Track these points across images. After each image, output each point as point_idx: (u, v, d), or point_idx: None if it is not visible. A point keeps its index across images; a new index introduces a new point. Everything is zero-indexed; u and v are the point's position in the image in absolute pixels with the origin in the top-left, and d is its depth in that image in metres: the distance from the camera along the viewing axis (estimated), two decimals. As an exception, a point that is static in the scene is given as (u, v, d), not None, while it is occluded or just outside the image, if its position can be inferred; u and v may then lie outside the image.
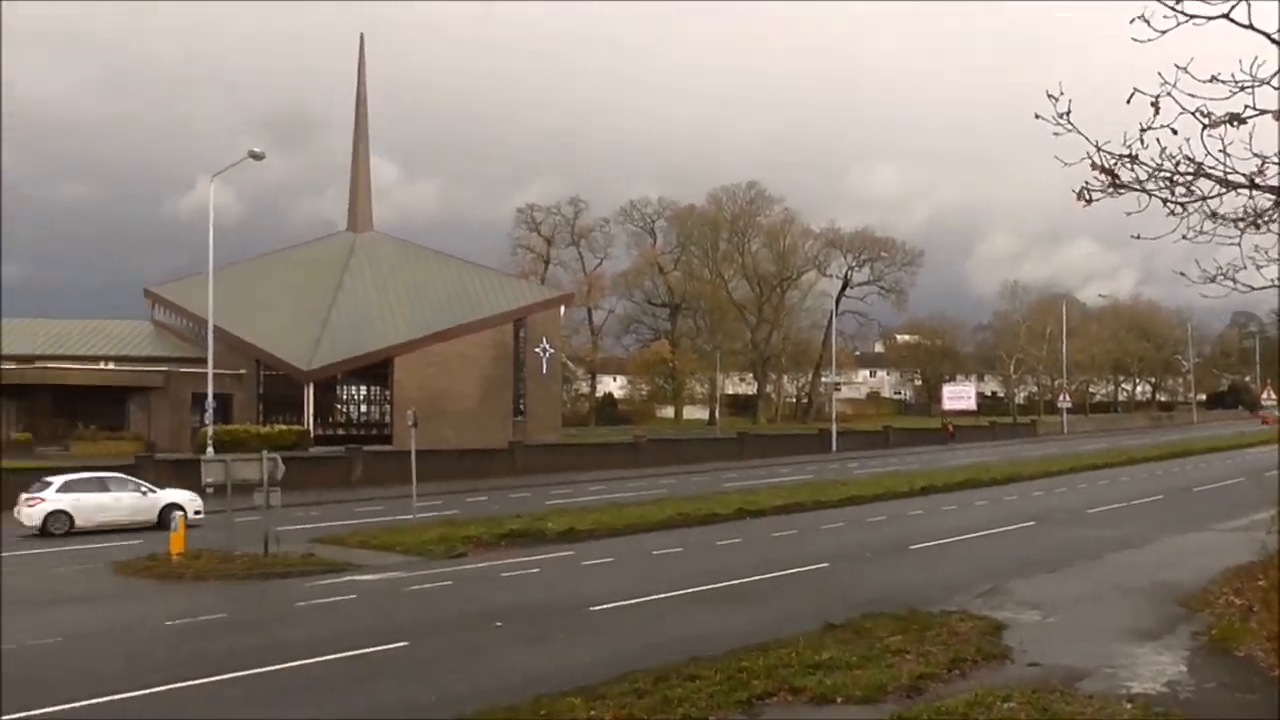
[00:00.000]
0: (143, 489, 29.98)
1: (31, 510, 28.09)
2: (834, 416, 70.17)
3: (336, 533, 26.40)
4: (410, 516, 28.85)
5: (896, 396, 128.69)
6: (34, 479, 30.76)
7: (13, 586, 20.09)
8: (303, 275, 62.14)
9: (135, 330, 63.43)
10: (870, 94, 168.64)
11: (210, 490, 34.74)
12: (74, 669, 12.92)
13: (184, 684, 11.86)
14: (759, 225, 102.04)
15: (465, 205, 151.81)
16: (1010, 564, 19.44)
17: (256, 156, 37.55)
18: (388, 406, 58.48)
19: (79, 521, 28.44)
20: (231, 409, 53.60)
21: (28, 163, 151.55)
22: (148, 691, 11.54)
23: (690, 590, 17.68)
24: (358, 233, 66.44)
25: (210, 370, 42.78)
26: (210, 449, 39.38)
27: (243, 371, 54.82)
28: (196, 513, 28.93)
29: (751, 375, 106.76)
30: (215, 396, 43.06)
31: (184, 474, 39.54)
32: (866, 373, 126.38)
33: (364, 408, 65.20)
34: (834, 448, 63.78)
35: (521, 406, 62.12)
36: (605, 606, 16.36)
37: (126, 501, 29.51)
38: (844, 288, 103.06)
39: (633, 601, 16.78)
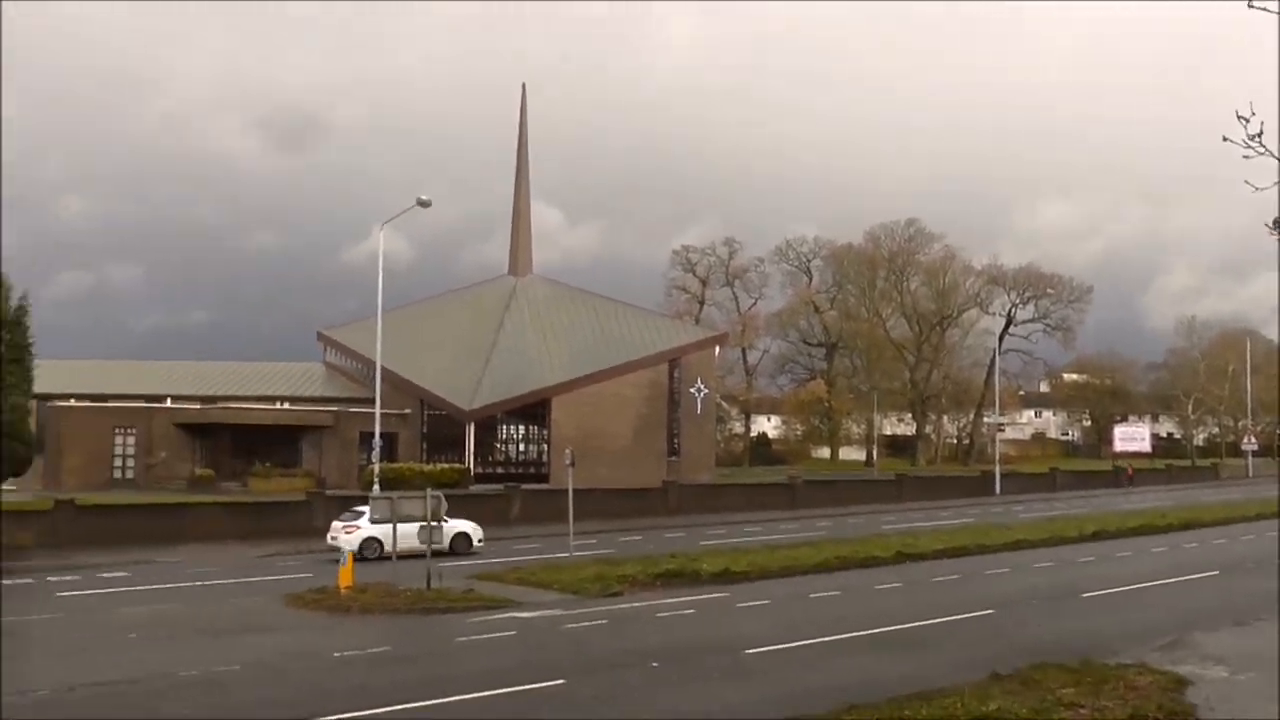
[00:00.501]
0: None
1: (349, 536, 30.77)
2: (997, 458, 67.90)
3: (495, 570, 26.88)
4: (567, 555, 29.19)
5: (1063, 438, 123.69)
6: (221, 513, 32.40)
7: (197, 616, 21.20)
8: (465, 318, 64.07)
9: (308, 372, 66.45)
10: (1038, 125, 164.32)
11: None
12: (254, 697, 13.50)
13: (352, 714, 12.24)
14: (918, 263, 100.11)
15: (625, 248, 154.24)
16: (1193, 615, 18.38)
17: (424, 204, 38.96)
18: (545, 445, 59.51)
19: (386, 548, 30.02)
20: (397, 447, 55.41)
21: (222, 214, 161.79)
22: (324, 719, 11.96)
23: (848, 635, 17.33)
24: (518, 276, 68.16)
25: (378, 410, 44.39)
26: (377, 486, 40.79)
27: (408, 411, 56.68)
28: (479, 541, 32.95)
29: (910, 415, 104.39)
30: (381, 435, 44.57)
31: (352, 510, 41.20)
32: (1031, 413, 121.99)
33: (522, 446, 66.45)
34: (997, 490, 61.68)
35: (676, 446, 62.27)
36: (761, 650, 16.17)
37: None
38: (1007, 325, 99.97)
39: (789, 645, 16.54)
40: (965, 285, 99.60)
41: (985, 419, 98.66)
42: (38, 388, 38.15)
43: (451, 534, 31.59)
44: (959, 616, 19.11)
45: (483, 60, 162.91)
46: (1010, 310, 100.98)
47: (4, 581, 26.90)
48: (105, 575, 27.83)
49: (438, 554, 28.37)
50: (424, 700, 12.91)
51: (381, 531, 29.37)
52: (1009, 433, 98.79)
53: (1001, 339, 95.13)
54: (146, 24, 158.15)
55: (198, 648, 17.33)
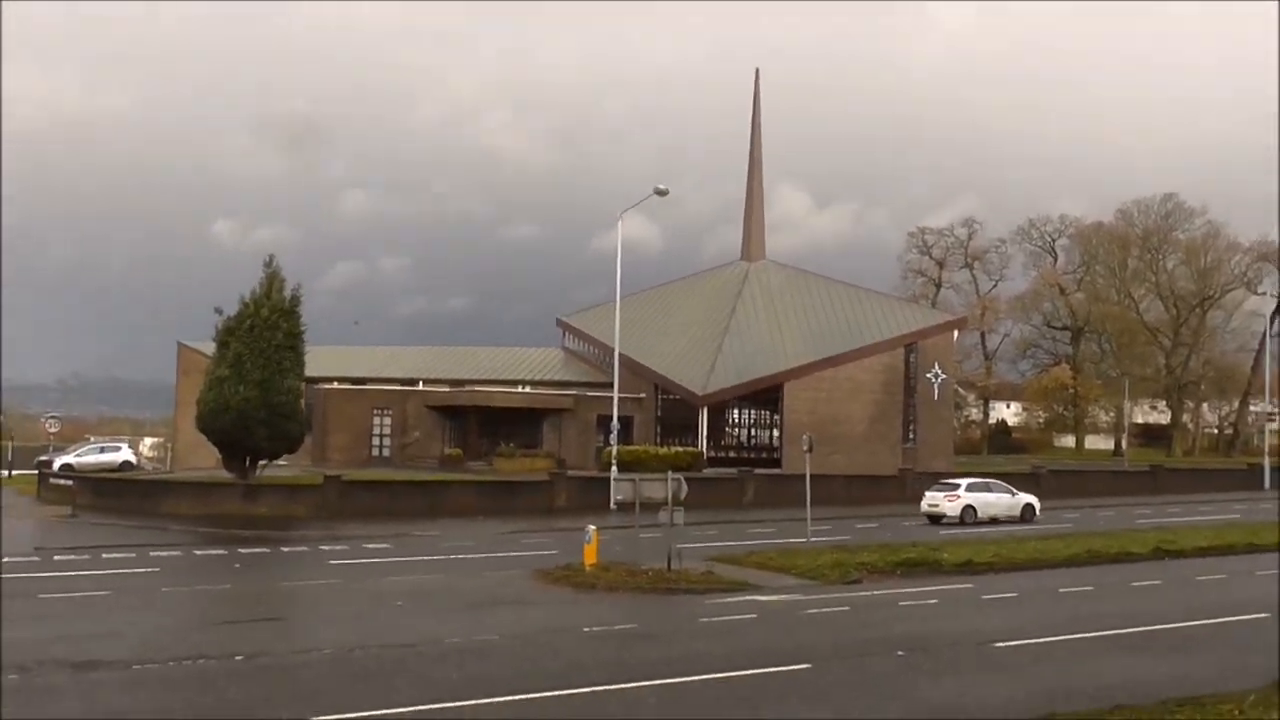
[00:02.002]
0: (1010, 491, 40.04)
1: (951, 504, 38.16)
2: (1266, 449, 62.88)
3: (732, 552, 27.19)
4: (803, 540, 29.20)
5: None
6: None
7: (456, 587, 22.55)
8: (698, 304, 64.74)
9: (548, 357, 68.86)
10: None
11: (615, 507, 37.17)
12: (514, 665, 14.28)
13: (608, 687, 12.77)
14: (1175, 240, 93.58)
15: (876, 230, 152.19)
16: None
17: (661, 193, 39.70)
18: (777, 431, 59.43)
19: (980, 514, 38.07)
20: (632, 430, 56.70)
21: (490, 208, 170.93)
22: (578, 691, 12.54)
23: (1103, 633, 16.65)
24: (751, 261, 68.27)
25: (615, 395, 45.64)
26: (614, 468, 42.01)
27: (643, 395, 57.88)
28: (1038, 511, 39.40)
29: (1164, 403, 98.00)
30: (618, 419, 45.81)
31: (591, 490, 42.66)
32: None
33: (753, 431, 66.67)
34: (1266, 484, 57.22)
35: (912, 433, 60.91)
36: (1011, 644, 15.77)
37: (1004, 501, 39.37)
38: (1279, 307, 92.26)
39: (1040, 640, 16.04)
40: (1230, 263, 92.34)
41: (1252, 407, 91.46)
42: (307, 372, 41.20)
43: (1021, 504, 39.35)
44: (1229, 619, 17.99)
45: (739, 49, 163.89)
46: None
47: (283, 549, 29.44)
48: (370, 546, 29.90)
49: (1009, 520, 37.99)
50: (674, 678, 13.30)
51: (978, 500, 38.43)
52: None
53: (1273, 320, 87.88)
54: (424, 25, 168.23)
55: (458, 617, 18.45)
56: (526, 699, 12.19)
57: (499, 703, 12.01)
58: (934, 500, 38.97)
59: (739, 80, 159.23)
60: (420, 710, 11.66)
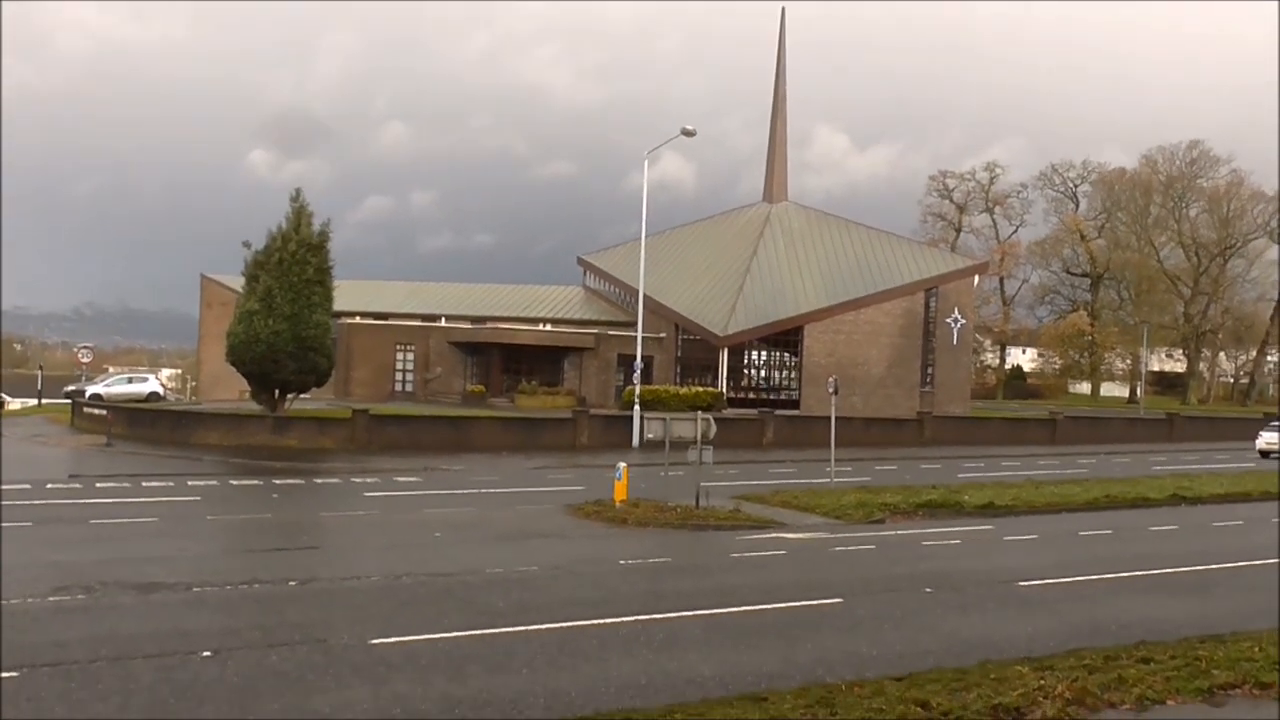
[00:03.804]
0: None
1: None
2: (1283, 400, 63.11)
3: (756, 491, 27.76)
4: (825, 480, 29.76)
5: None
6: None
7: (490, 520, 23.17)
8: (720, 245, 64.90)
9: (569, 295, 69.25)
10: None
11: (637, 445, 37.73)
12: (556, 595, 14.86)
13: (651, 616, 13.34)
14: (1199, 188, 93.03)
15: (915, 173, 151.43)
16: None
17: (688, 134, 39.75)
18: (796, 373, 59.91)
19: None
20: (653, 370, 57.22)
21: (524, 144, 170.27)
22: (622, 619, 13.10)
23: (1124, 574, 17.16)
24: (773, 203, 68.23)
25: (639, 334, 46.06)
26: (638, 406, 42.55)
27: (663, 335, 58.29)
28: None
29: (1181, 351, 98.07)
30: (640, 358, 46.23)
31: (612, 428, 43.28)
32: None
33: (772, 372, 67.04)
34: (1282, 434, 57.42)
35: (930, 377, 61.32)
36: (1034, 582, 16.29)
37: None
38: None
39: (1063, 580, 16.56)
40: (1253, 213, 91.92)
41: (1269, 357, 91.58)
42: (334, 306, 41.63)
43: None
44: (1243, 564, 18.52)
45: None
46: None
47: (316, 481, 30.13)
48: (400, 479, 30.56)
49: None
50: (712, 609, 13.86)
51: None
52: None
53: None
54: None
55: (496, 549, 19.05)
56: (572, 626, 12.73)
57: (546, 629, 12.57)
58: (1270, 439, 44.08)
59: (789, 20, 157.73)
60: (472, 634, 12.22)
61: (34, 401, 60.61)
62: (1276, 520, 24.57)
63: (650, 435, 24.61)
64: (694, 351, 58.85)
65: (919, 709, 9.10)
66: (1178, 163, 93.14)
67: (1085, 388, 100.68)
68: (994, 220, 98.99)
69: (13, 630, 11.89)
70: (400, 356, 59.70)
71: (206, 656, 10.97)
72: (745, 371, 65.15)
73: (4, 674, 10.00)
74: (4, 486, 25.40)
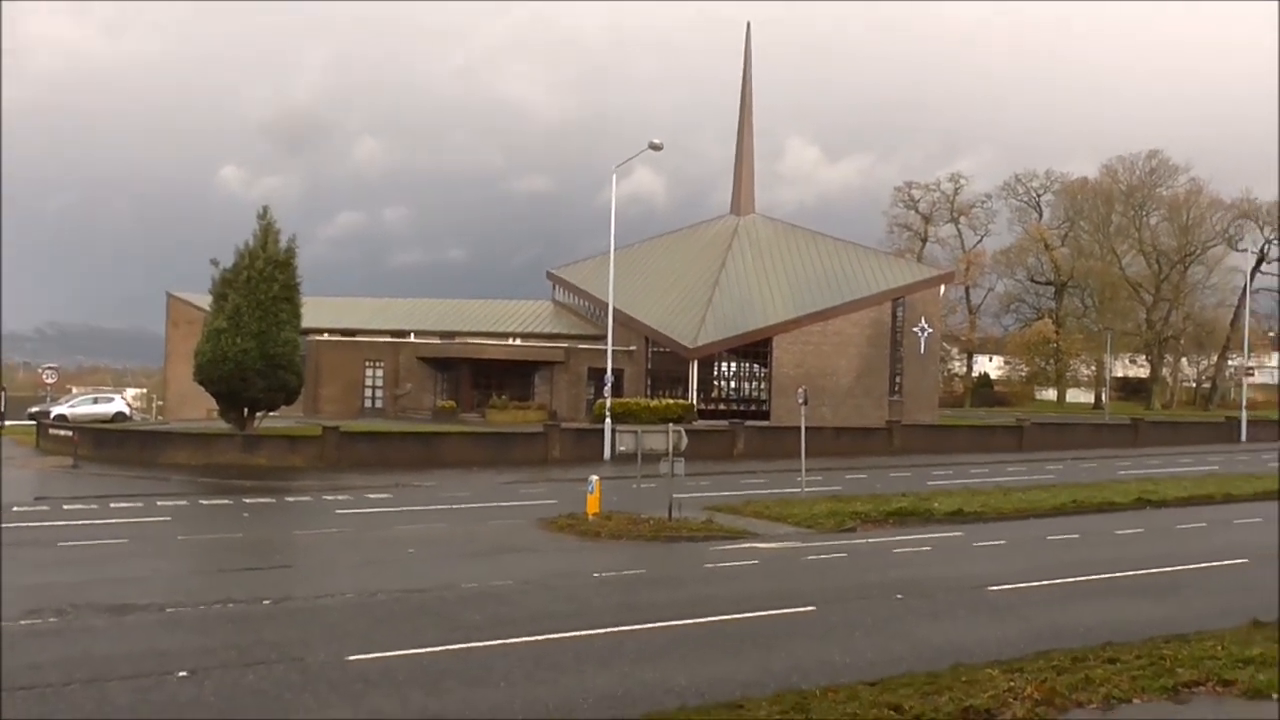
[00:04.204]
0: None
1: None
2: (1244, 403, 64.08)
3: (728, 502, 27.90)
4: (796, 490, 29.97)
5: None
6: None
7: (462, 535, 23.18)
8: (688, 257, 65.21)
9: (538, 310, 69.30)
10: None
11: (609, 458, 37.80)
12: (531, 608, 14.92)
13: (626, 627, 13.44)
14: (1159, 197, 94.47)
15: (887, 184, 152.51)
16: None
17: (655, 148, 39.98)
18: (766, 383, 60.21)
19: None
20: (623, 383, 57.29)
21: (500, 158, 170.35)
22: (597, 631, 13.21)
23: (1091, 577, 17.44)
24: (740, 215, 68.64)
25: (610, 347, 46.17)
26: (609, 419, 42.63)
27: (633, 348, 58.46)
28: None
29: (1145, 357, 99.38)
30: (611, 371, 46.32)
31: (584, 441, 43.31)
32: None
33: (743, 384, 67.42)
34: (1243, 437, 58.39)
35: (898, 386, 61.82)
36: (1003, 587, 16.52)
37: None
38: (1259, 263, 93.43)
39: (1032, 584, 16.80)
40: (1212, 220, 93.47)
41: (1230, 362, 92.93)
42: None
43: None
44: (1207, 565, 18.83)
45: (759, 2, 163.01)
46: (1263, 247, 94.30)
47: (287, 499, 29.99)
48: (371, 496, 30.46)
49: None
50: (684, 619, 13.97)
51: None
52: (1257, 377, 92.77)
53: (1252, 277, 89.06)
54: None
55: (470, 564, 19.08)
56: (548, 639, 12.80)
57: (522, 642, 12.63)
58: None
59: (758, 34, 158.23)
60: (449, 649, 12.27)
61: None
62: (1239, 522, 25.03)
63: (622, 448, 24.76)
64: (664, 364, 59.06)
65: (892, 712, 9.26)
66: (1138, 172, 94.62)
67: (1051, 394, 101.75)
68: (959, 230, 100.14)
69: (-15, 654, 11.83)
70: (370, 373, 59.51)
71: (183, 676, 10.97)
72: (715, 383, 65.45)
73: (-22, 698, 9.97)
74: (-30, 510, 25.17)
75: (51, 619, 13.77)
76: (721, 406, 60.67)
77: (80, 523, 24.05)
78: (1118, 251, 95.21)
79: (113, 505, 27.42)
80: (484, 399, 57.39)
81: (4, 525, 23.31)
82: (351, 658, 11.78)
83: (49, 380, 52.93)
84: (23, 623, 13.49)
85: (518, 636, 12.88)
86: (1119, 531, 23.55)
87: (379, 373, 59.37)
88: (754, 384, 64.29)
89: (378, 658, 11.81)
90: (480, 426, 48.30)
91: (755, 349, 59.82)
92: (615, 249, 47.08)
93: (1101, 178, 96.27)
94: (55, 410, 50.75)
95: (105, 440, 41.44)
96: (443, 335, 61.83)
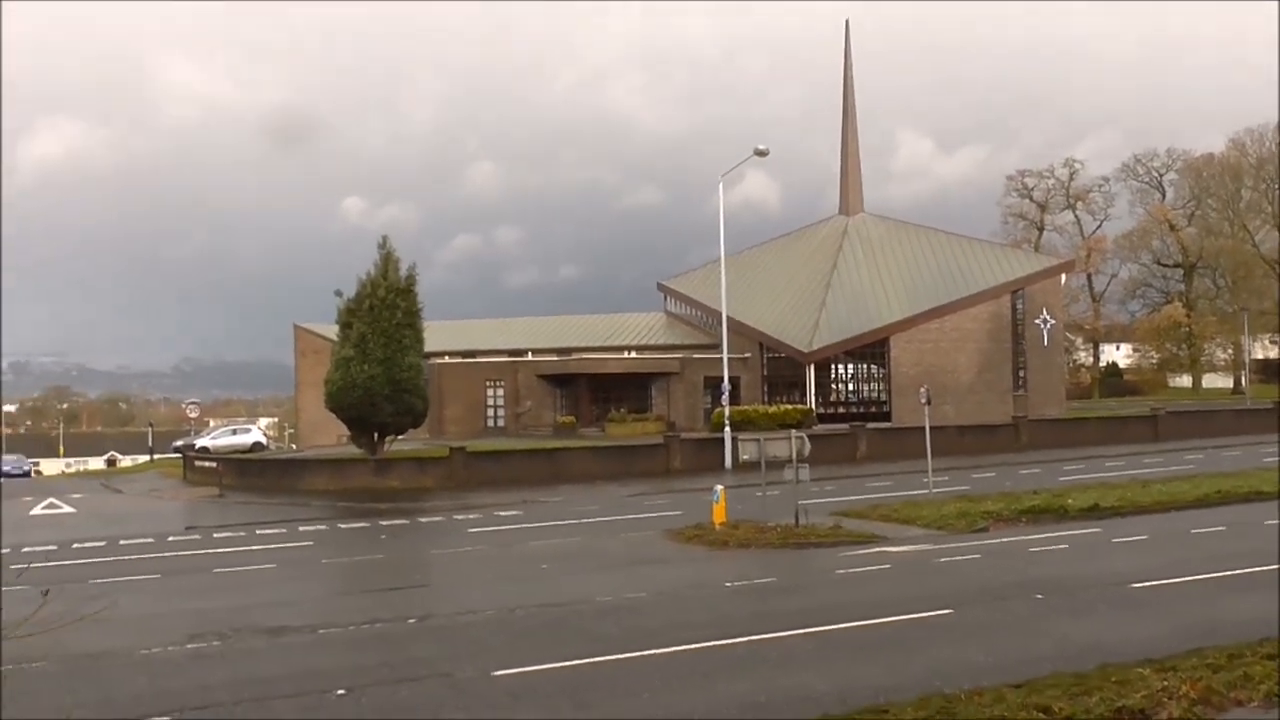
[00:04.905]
0: None
1: None
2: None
3: (854, 507, 27.71)
4: (924, 491, 29.58)
5: None
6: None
7: (594, 549, 23.53)
8: (799, 261, 64.84)
9: (651, 321, 69.71)
10: None
11: (729, 467, 37.86)
12: (667, 619, 15.11)
13: (762, 636, 13.52)
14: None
15: (1006, 173, 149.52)
16: None
17: (761, 154, 40.01)
18: (885, 384, 59.43)
19: None
20: (739, 390, 57.24)
21: (611, 174, 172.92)
22: (733, 640, 13.32)
23: (1243, 570, 16.83)
24: (849, 215, 68.01)
25: (725, 355, 46.25)
26: (728, 428, 42.69)
27: (748, 355, 58.34)
28: None
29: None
30: (728, 379, 46.38)
31: (704, 451, 43.45)
32: None
33: (861, 385, 66.70)
34: (1400, 417, 55.30)
35: (1022, 380, 60.37)
36: (1147, 584, 16.10)
37: None
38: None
39: (1178, 580, 16.35)
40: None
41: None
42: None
43: None
44: (1369, 553, 17.99)
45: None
46: None
47: (420, 519, 30.82)
48: (501, 514, 31.11)
49: None
50: (821, 626, 13.99)
51: None
52: None
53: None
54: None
55: (603, 577, 19.38)
56: (686, 649, 12.98)
57: (661, 653, 12.83)
58: None
59: (865, 30, 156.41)
60: (590, 662, 12.54)
61: (145, 458, 62.87)
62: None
63: (745, 456, 24.80)
64: (780, 369, 58.77)
65: (1041, 714, 9.17)
66: (1268, 144, 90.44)
67: (1186, 381, 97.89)
68: (1077, 216, 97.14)
69: (158, 676, 12.55)
70: (490, 392, 60.63)
71: (341, 694, 11.46)
72: (833, 386, 64.79)
73: (155, 719, 10.56)
74: (129, 541, 26.57)
75: (215, 642, 14.50)
76: (840, 409, 60.04)
77: (230, 550, 25.17)
78: (1249, 228, 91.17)
79: (258, 532, 28.59)
80: (602, 413, 57.93)
81: (149, 556, 24.56)
82: (497, 673, 12.13)
83: (192, 415, 55.32)
84: (189, 646, 14.24)
85: (656, 648, 13.07)
86: (1269, 522, 22.62)
87: (499, 392, 60.46)
88: (873, 385, 63.45)
89: (522, 672, 12.14)
90: (600, 440, 48.82)
91: (872, 349, 59.09)
92: (725, 256, 47.14)
93: (1228, 152, 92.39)
94: (198, 443, 53.05)
95: (247, 470, 43.18)
96: (559, 352, 62.67)
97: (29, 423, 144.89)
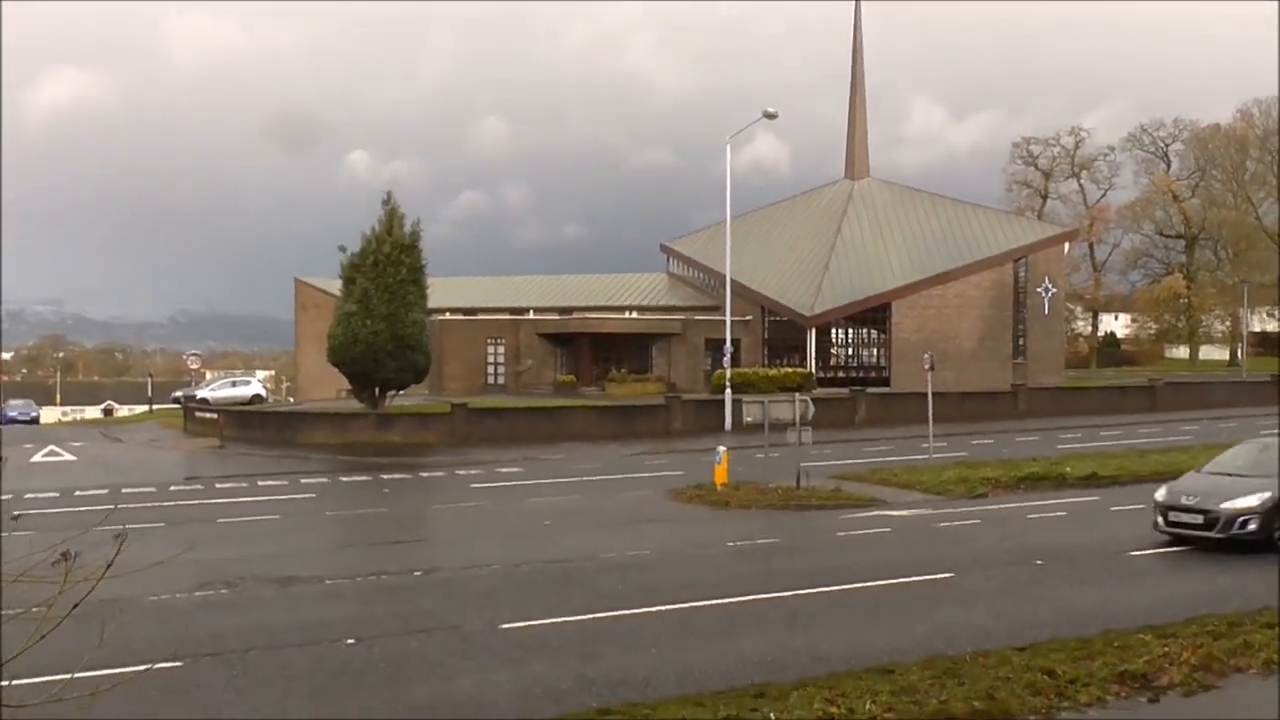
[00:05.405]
0: None
1: None
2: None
3: (854, 470, 27.88)
4: (922, 457, 29.74)
5: None
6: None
7: (595, 507, 23.68)
8: (802, 224, 64.70)
9: (653, 282, 69.65)
10: None
11: (730, 428, 37.99)
12: (671, 577, 15.27)
13: (768, 595, 13.69)
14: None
15: (1018, 138, 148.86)
16: None
17: (770, 116, 39.84)
18: (885, 349, 59.53)
19: None
20: (740, 353, 57.29)
21: (620, 135, 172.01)
22: (739, 599, 13.48)
23: (1241, 541, 16.96)
24: (854, 180, 67.78)
25: (728, 317, 46.29)
26: (729, 390, 42.81)
27: (749, 318, 58.37)
28: None
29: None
30: (730, 341, 46.46)
31: (705, 412, 43.60)
32: None
33: (860, 351, 66.85)
34: (1396, 392, 55.50)
35: (1022, 348, 60.48)
36: (1148, 552, 16.27)
37: None
38: None
39: (1176, 549, 16.48)
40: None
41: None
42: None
43: None
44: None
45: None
46: None
47: (423, 474, 30.99)
48: (502, 470, 31.30)
49: None
50: (825, 586, 14.13)
51: None
52: None
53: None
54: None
55: (606, 534, 19.54)
56: (691, 607, 13.13)
57: (668, 609, 12.98)
58: None
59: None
60: (597, 617, 12.69)
61: (141, 408, 63.00)
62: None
63: (749, 418, 24.97)
64: (781, 332, 58.83)
65: (1045, 677, 9.31)
66: (1275, 116, 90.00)
67: (1183, 352, 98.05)
68: (1081, 185, 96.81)
69: (169, 623, 12.70)
70: (491, 350, 60.64)
71: (351, 644, 11.60)
72: (833, 350, 64.95)
73: (168, 664, 10.69)
74: (131, 489, 26.73)
75: (223, 590, 14.66)
76: (840, 374, 60.19)
77: (233, 500, 25.33)
78: (1253, 200, 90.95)
79: (260, 483, 28.76)
80: (603, 373, 58.01)
81: (151, 505, 24.72)
82: (505, 626, 12.28)
83: (194, 366, 55.37)
84: (197, 594, 14.40)
85: (663, 604, 13.22)
86: (1265, 493, 22.80)
87: (500, 350, 60.48)
88: (873, 350, 63.60)
89: (529, 625, 12.29)
90: (601, 400, 48.95)
91: (874, 315, 59.14)
92: (733, 218, 47.03)
93: (1235, 123, 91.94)
94: (198, 394, 53.14)
95: (247, 421, 43.30)
96: (560, 311, 62.67)
97: (24, 370, 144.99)
